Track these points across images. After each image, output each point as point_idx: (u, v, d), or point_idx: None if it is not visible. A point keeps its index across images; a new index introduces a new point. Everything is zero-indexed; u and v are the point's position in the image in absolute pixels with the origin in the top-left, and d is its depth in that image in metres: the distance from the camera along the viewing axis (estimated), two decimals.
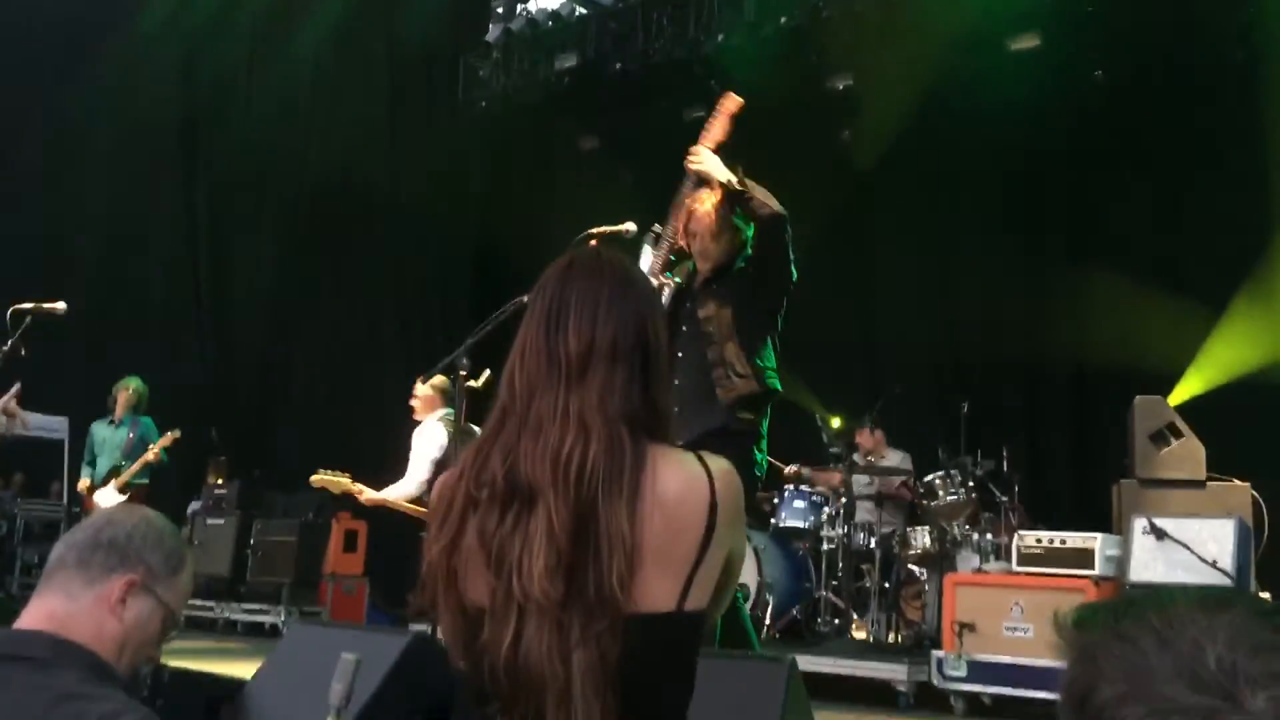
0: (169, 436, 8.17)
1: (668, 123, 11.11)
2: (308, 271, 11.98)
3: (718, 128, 4.26)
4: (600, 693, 1.48)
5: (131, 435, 8.34)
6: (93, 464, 8.45)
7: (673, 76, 10.71)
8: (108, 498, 8.07)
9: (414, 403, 6.88)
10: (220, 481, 9.93)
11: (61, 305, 5.45)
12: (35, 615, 1.68)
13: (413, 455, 6.72)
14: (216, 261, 12.47)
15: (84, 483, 8.35)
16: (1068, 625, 0.84)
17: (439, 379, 6.65)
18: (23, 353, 5.25)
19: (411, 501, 6.50)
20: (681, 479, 1.58)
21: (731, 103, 4.30)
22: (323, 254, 11.96)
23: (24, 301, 5.37)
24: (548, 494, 1.52)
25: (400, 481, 6.65)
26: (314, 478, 6.55)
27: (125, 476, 8.11)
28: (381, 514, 9.88)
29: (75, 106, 12.39)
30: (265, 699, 3.58)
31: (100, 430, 8.52)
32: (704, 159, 4.19)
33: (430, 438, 6.70)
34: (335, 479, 6.47)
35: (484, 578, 1.55)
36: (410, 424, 6.93)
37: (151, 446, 8.14)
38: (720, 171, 4.16)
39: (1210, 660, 0.73)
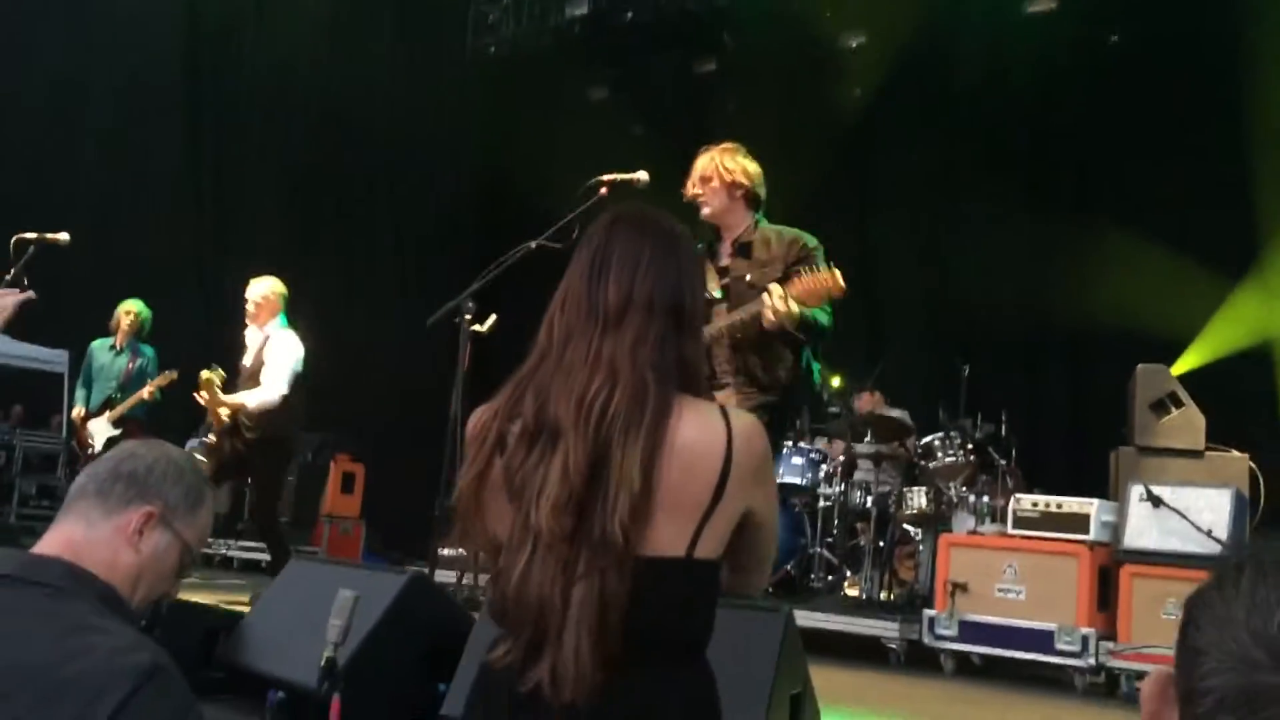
0: (166, 376, 7.75)
1: (677, 75, 11.05)
2: (312, 215, 11.92)
3: (806, 289, 3.83)
4: (593, 629, 1.51)
5: (131, 365, 7.90)
6: (87, 387, 7.99)
7: (684, 28, 10.63)
8: (101, 429, 7.77)
9: (251, 307, 6.45)
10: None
11: (65, 236, 5.40)
12: (52, 541, 1.68)
13: (271, 363, 6.30)
14: (220, 202, 12.40)
15: (78, 410, 7.93)
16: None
17: (275, 282, 6.52)
18: (25, 283, 5.22)
19: (265, 413, 6.20)
20: (697, 427, 1.60)
21: (835, 286, 3.82)
22: (327, 196, 11.90)
23: (27, 232, 5.32)
24: (569, 433, 1.57)
25: (257, 389, 6.25)
26: (204, 374, 6.28)
27: (120, 409, 7.74)
28: (380, 457, 9.95)
29: (76, 52, 12.28)
30: (263, 631, 3.60)
31: (100, 354, 8.02)
32: (782, 311, 3.82)
33: (290, 348, 6.37)
34: (209, 379, 6.22)
35: (507, 510, 1.60)
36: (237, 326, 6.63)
37: (150, 383, 7.78)
38: (790, 319, 3.85)
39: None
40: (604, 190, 4.44)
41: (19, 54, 11.55)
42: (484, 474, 1.63)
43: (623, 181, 4.45)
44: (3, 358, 11.94)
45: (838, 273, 3.82)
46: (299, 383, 6.37)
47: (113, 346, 7.97)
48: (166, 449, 1.85)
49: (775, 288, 3.84)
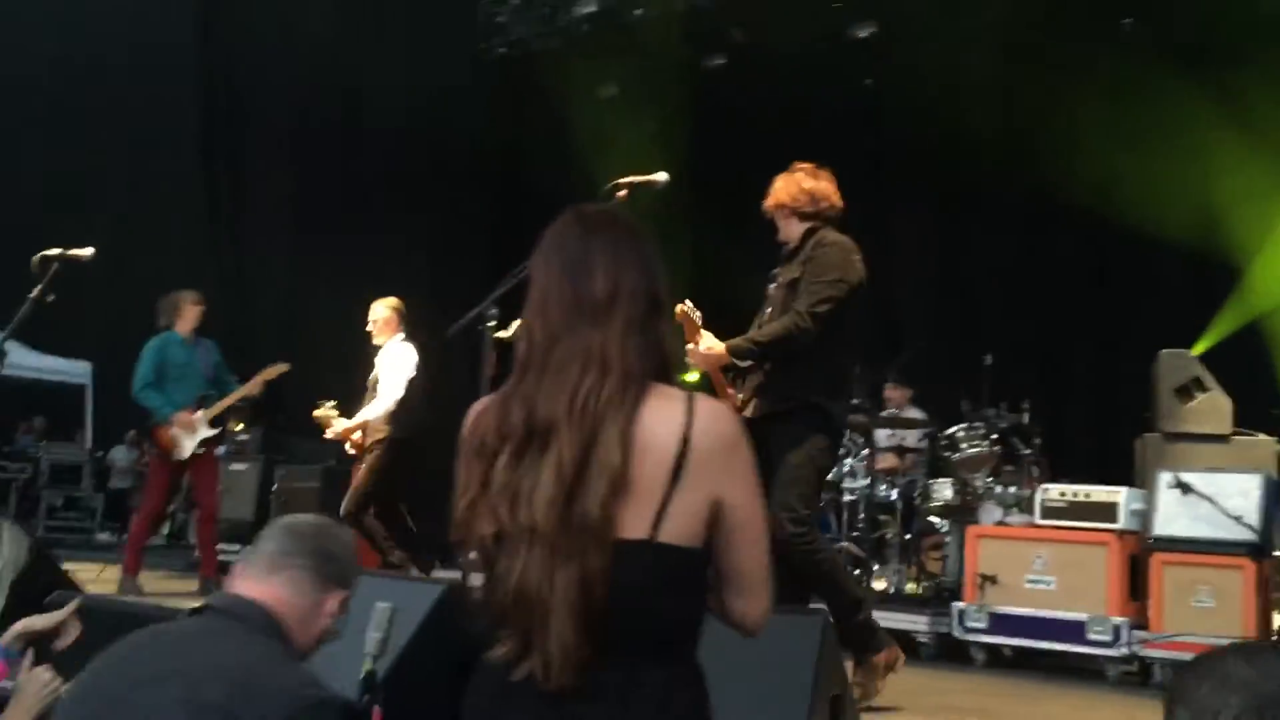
0: (275, 369, 7.28)
1: (688, 70, 11.02)
2: (328, 217, 11.94)
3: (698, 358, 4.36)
4: (576, 609, 1.54)
5: (207, 359, 7.28)
6: (160, 388, 7.11)
7: (693, 23, 10.60)
8: (192, 429, 7.06)
9: (372, 326, 6.89)
10: (242, 427, 9.94)
11: (89, 251, 5.40)
12: (262, 593, 1.98)
13: (386, 375, 6.79)
14: (236, 208, 12.45)
15: (188, 414, 7.01)
16: None
17: (392, 301, 6.93)
18: (49, 299, 5.24)
19: (389, 416, 6.70)
20: (659, 412, 1.63)
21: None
22: (342, 198, 11.91)
23: (50, 248, 5.33)
24: (561, 428, 1.60)
25: (374, 402, 6.77)
26: (316, 413, 6.87)
27: (220, 407, 7.19)
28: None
29: (88, 41, 12.34)
30: None
31: (175, 351, 7.17)
32: (700, 361, 4.34)
33: (405, 358, 6.80)
34: (325, 415, 6.83)
35: (502, 515, 1.62)
36: (369, 349, 7.02)
37: (256, 378, 7.26)
38: (716, 360, 4.31)
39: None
40: (623, 193, 4.44)
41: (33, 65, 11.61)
42: (483, 483, 1.65)
43: (642, 183, 4.45)
44: (25, 370, 12.03)
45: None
46: (413, 388, 6.77)
47: (183, 341, 7.19)
48: (348, 531, 2.23)
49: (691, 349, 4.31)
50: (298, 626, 1.99)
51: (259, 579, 2.00)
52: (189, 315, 7.22)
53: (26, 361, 11.87)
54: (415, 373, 6.80)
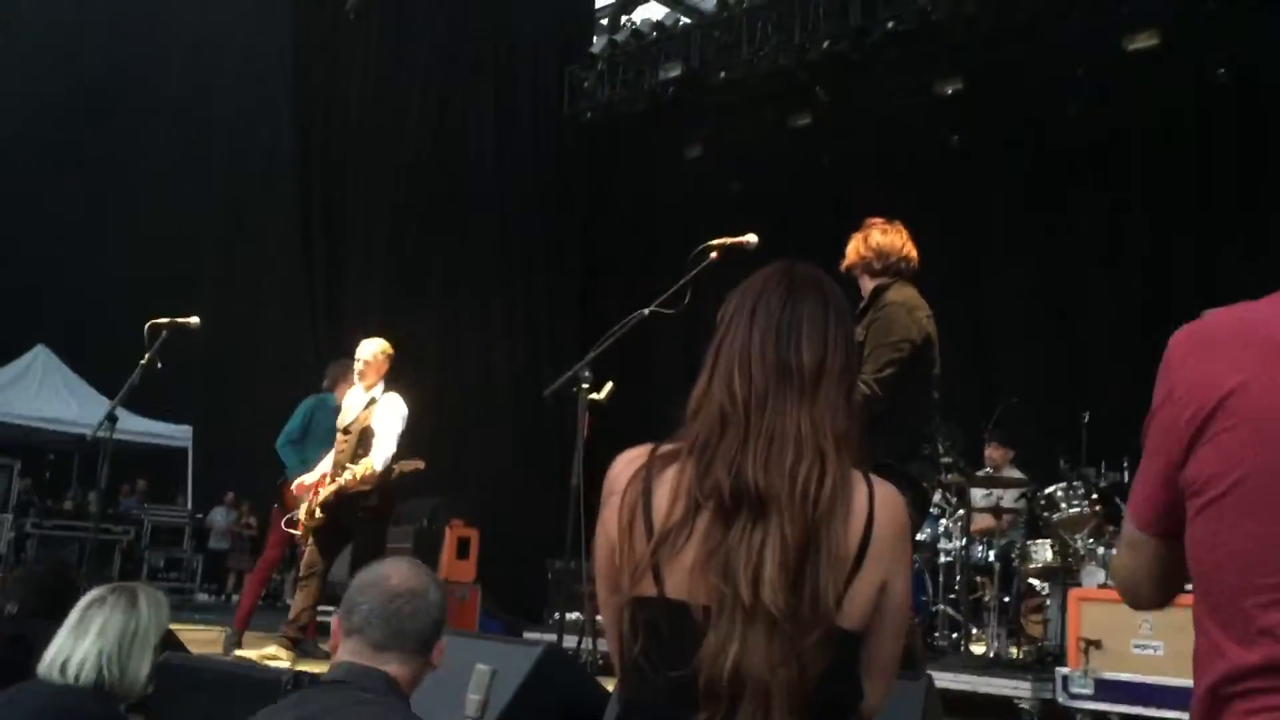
0: (413, 464, 6.93)
1: (772, 130, 11.08)
2: (417, 279, 12.16)
3: None
4: (793, 698, 1.49)
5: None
6: (299, 445, 7.09)
7: (777, 83, 10.67)
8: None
9: (362, 366, 6.33)
10: None
11: (195, 320, 5.61)
12: (378, 663, 2.12)
13: (382, 428, 6.19)
14: (332, 278, 12.75)
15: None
16: None
17: (384, 343, 6.45)
18: (159, 366, 5.43)
19: (372, 474, 6.08)
20: (853, 498, 1.60)
21: None
22: (432, 260, 12.11)
23: (160, 316, 5.54)
24: (783, 508, 1.54)
25: (369, 456, 6.12)
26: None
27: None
28: (492, 521, 10.04)
29: (196, 116, 12.82)
30: None
31: (326, 414, 7.03)
32: None
33: (397, 410, 6.28)
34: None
35: (701, 579, 1.55)
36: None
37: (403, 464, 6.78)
38: None
39: None
40: (714, 255, 4.48)
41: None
42: (669, 539, 1.58)
43: (733, 244, 4.48)
44: (128, 434, 12.40)
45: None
46: (402, 444, 6.33)
47: (337, 407, 6.83)
48: (428, 574, 2.25)
49: None
50: (411, 685, 2.19)
51: (370, 657, 2.13)
52: (341, 384, 7.04)
53: (130, 425, 12.26)
54: (403, 426, 6.29)
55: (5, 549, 10.71)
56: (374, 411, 6.30)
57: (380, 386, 6.40)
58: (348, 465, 6.12)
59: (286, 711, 2.08)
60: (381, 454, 6.15)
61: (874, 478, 1.65)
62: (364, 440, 6.24)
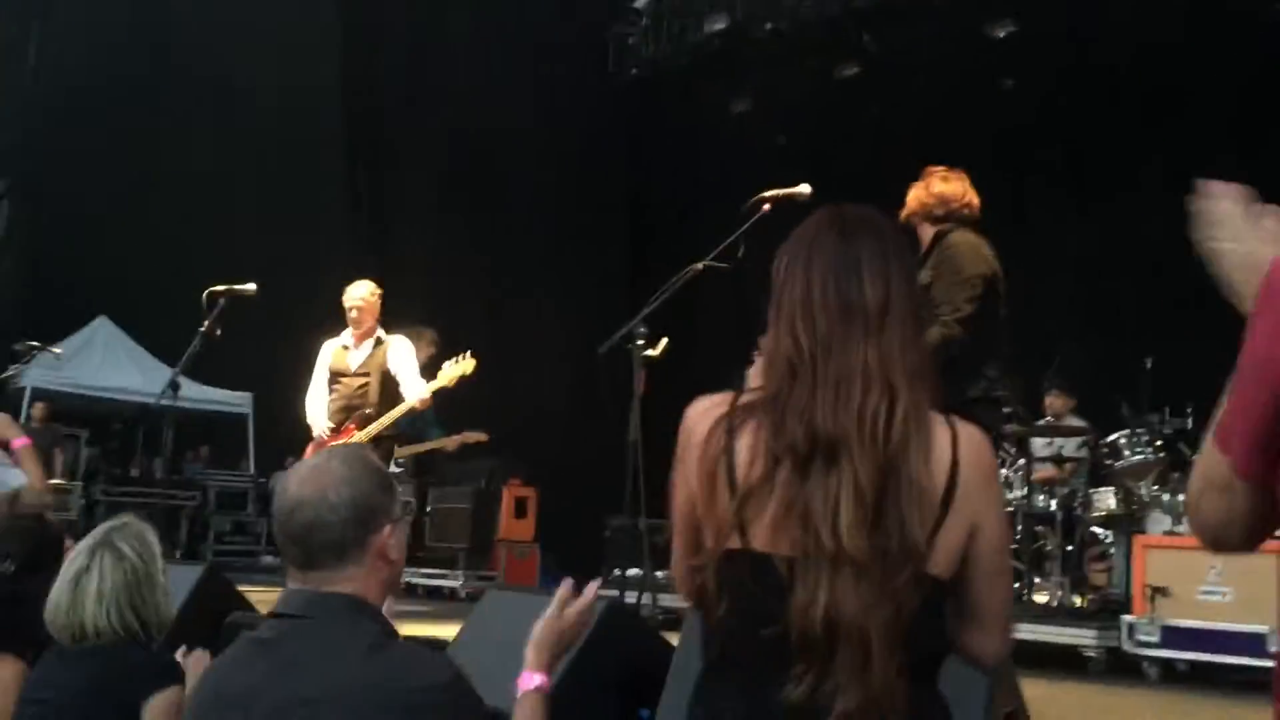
0: (476, 436, 7.19)
1: (820, 82, 10.94)
2: (466, 242, 12.20)
3: None
4: (893, 648, 1.47)
5: None
6: None
7: (824, 34, 10.52)
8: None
9: (357, 309, 6.22)
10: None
11: (252, 286, 5.65)
12: (310, 583, 1.83)
13: (403, 368, 6.15)
14: (379, 234, 12.82)
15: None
16: None
17: (371, 284, 6.34)
18: (218, 333, 5.50)
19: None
20: (936, 438, 1.57)
21: None
22: (480, 222, 12.13)
23: (217, 284, 5.59)
24: (853, 449, 1.51)
25: (411, 394, 6.10)
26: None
27: (413, 450, 7.30)
28: (550, 480, 10.12)
29: (241, 91, 12.90)
30: (467, 663, 3.67)
31: None
32: None
33: (410, 349, 6.27)
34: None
35: (784, 532, 1.53)
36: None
37: (455, 437, 7.14)
38: None
39: None
40: (767, 206, 4.43)
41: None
42: (752, 494, 1.55)
43: (785, 195, 4.43)
44: (190, 402, 12.62)
45: None
46: None
47: None
48: (333, 470, 1.85)
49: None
50: (377, 595, 1.86)
51: (299, 579, 1.85)
52: (419, 352, 6.96)
53: (191, 393, 12.47)
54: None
55: (76, 517, 10.97)
56: (386, 354, 6.22)
57: (379, 329, 6.31)
58: (368, 409, 6.07)
59: (248, 659, 1.81)
60: (419, 388, 6.11)
61: (956, 420, 1.60)
62: (385, 383, 6.15)
